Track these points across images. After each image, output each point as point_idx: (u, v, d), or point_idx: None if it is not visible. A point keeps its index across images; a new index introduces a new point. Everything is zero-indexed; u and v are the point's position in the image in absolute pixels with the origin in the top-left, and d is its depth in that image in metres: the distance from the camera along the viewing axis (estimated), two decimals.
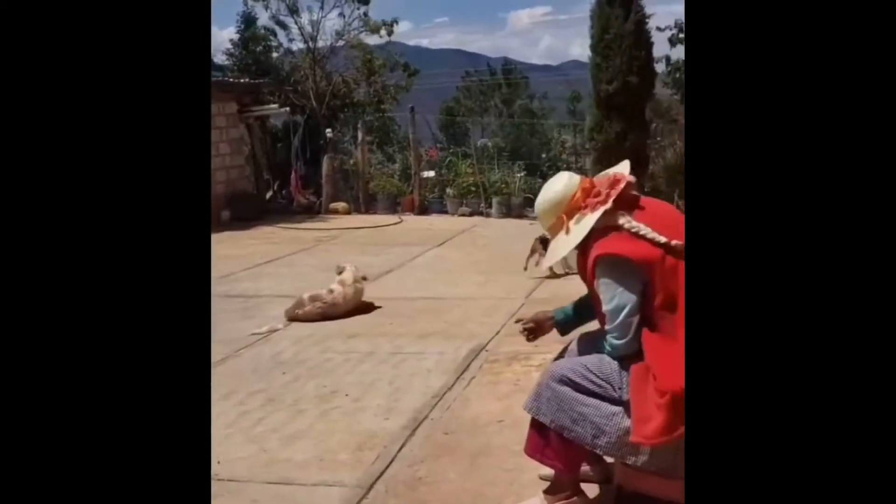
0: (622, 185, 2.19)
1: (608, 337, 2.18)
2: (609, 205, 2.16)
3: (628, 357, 2.17)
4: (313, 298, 5.22)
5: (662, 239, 2.07)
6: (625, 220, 2.13)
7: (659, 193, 10.46)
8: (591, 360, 2.27)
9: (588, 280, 2.25)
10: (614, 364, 2.21)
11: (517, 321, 2.54)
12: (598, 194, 2.20)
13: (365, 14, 13.55)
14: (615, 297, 2.12)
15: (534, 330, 2.56)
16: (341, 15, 13.54)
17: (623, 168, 2.31)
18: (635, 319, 2.11)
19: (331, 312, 5.24)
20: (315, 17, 13.41)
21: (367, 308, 5.50)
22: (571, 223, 2.24)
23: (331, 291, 5.26)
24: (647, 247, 2.09)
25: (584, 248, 2.24)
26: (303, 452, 3.01)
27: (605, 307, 2.15)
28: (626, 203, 2.19)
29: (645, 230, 2.09)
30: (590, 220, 2.18)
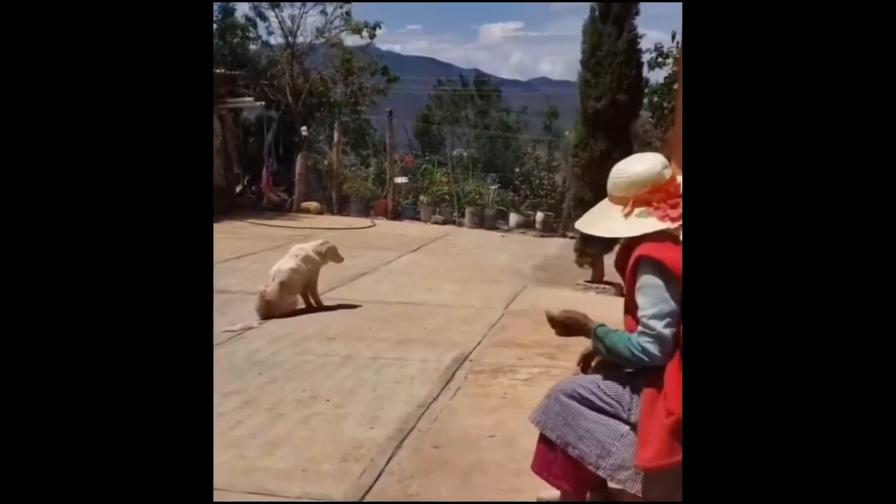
0: None
1: (643, 342, 1.94)
2: (677, 224, 1.97)
3: (642, 378, 2.05)
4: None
5: None
6: (677, 229, 1.98)
7: None
8: (603, 378, 2.15)
9: (627, 277, 2.06)
10: (626, 384, 2.10)
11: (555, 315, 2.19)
12: (675, 206, 2.00)
13: (347, 13, 13.34)
14: (659, 304, 1.93)
15: (565, 327, 2.21)
16: (323, 12, 13.32)
17: None
18: (674, 332, 1.93)
19: (294, 281, 5.18)
20: (296, 12, 13.17)
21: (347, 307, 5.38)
22: (635, 213, 2.03)
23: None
24: None
25: (630, 242, 2.07)
26: (284, 461, 2.81)
27: (646, 311, 1.95)
28: None
29: None
30: (651, 224, 2.00)
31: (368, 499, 2.54)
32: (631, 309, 2.07)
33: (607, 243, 7.08)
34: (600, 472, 2.12)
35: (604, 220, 2.09)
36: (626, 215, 2.03)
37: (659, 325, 1.92)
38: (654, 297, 1.94)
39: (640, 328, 1.97)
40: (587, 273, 6.93)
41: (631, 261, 2.01)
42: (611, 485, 2.24)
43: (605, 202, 2.14)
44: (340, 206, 11.82)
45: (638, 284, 1.99)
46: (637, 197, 2.02)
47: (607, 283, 6.80)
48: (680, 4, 1.60)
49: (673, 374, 1.94)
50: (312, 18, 13.69)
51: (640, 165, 2.04)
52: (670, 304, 1.92)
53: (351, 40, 13.73)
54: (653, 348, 1.93)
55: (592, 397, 2.13)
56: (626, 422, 2.08)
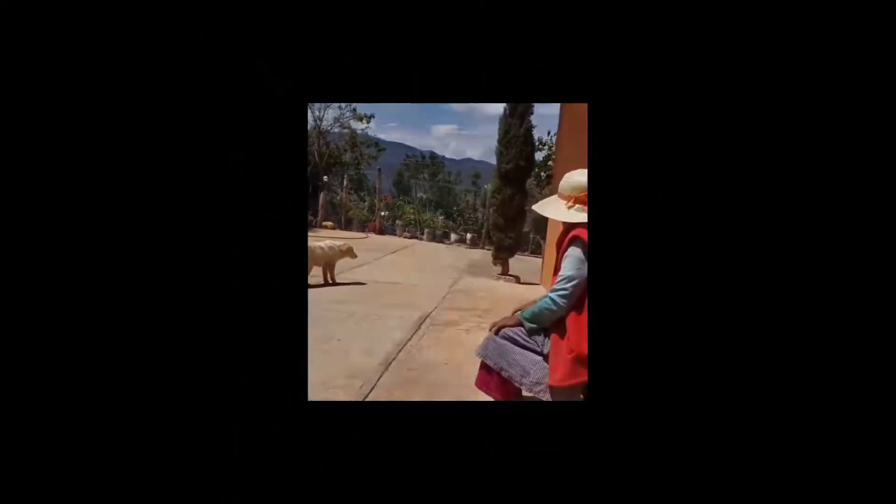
0: None
1: (553, 295, 1.80)
2: None
3: (551, 324, 1.92)
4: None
5: None
6: None
7: (527, 237, 10.53)
8: (525, 327, 2.00)
9: (562, 250, 1.91)
10: (540, 331, 1.96)
11: (497, 329, 2.01)
12: None
13: (353, 109, 13.08)
14: (576, 269, 1.77)
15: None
16: (339, 107, 13.00)
17: None
18: (576, 292, 1.79)
19: (315, 253, 4.82)
20: (321, 106, 12.79)
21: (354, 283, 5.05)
22: (574, 208, 1.88)
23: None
24: None
25: (568, 227, 1.91)
26: (310, 378, 2.54)
27: (564, 272, 1.79)
28: None
29: None
30: (584, 217, 1.85)
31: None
32: (556, 271, 1.92)
33: (512, 251, 7.02)
34: (522, 388, 1.97)
35: (552, 209, 1.94)
36: (569, 208, 1.89)
37: (569, 285, 1.78)
38: (572, 263, 1.80)
39: (554, 285, 1.83)
40: (498, 269, 6.85)
41: (566, 239, 1.87)
42: (525, 394, 2.10)
43: (554, 197, 1.99)
44: (346, 225, 11.44)
45: (566, 254, 1.84)
46: (577, 197, 1.87)
47: (511, 275, 6.73)
48: (553, 115, 1.54)
49: (572, 324, 1.82)
50: (332, 111, 13.31)
51: (583, 177, 1.89)
52: (581, 272, 1.78)
53: (355, 125, 13.44)
54: (560, 301, 1.80)
55: (517, 337, 1.98)
56: (540, 353, 1.93)
